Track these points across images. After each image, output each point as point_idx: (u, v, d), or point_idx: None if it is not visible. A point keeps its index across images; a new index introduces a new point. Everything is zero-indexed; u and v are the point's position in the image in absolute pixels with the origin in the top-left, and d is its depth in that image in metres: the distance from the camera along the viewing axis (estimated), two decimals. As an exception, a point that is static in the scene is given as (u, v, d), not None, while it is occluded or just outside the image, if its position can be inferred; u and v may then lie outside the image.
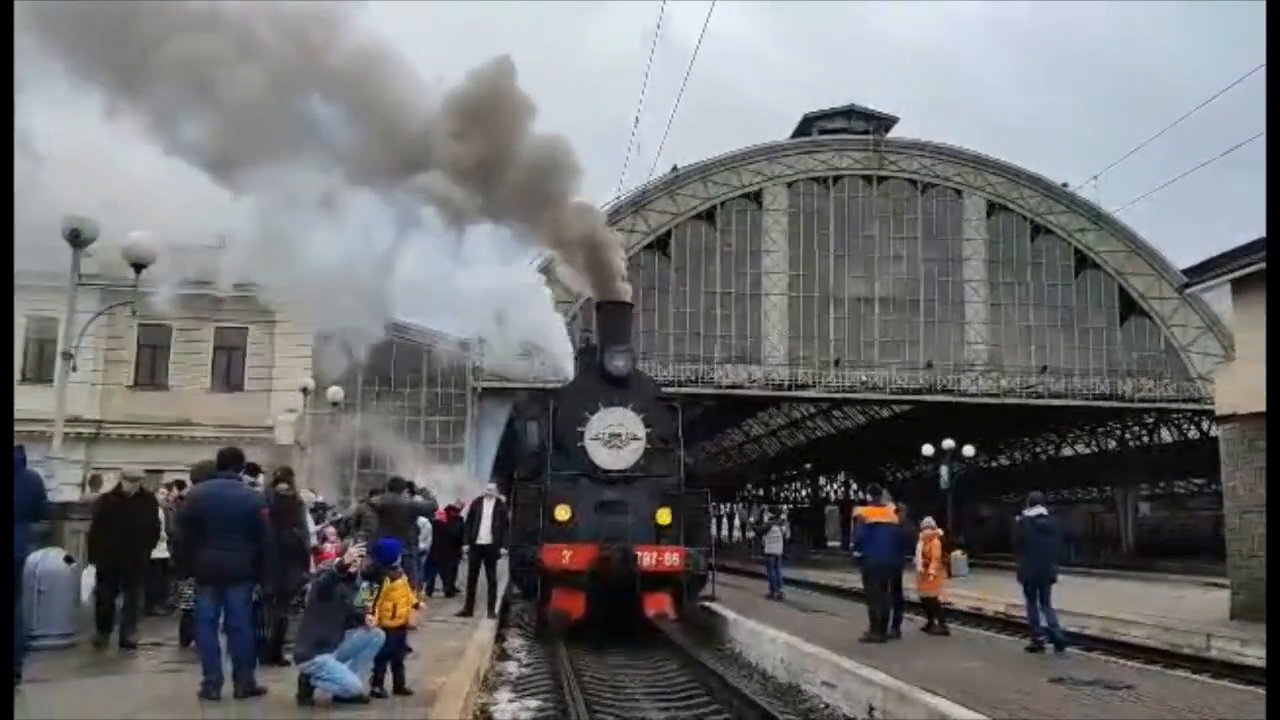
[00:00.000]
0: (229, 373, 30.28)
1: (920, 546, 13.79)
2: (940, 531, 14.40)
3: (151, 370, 29.88)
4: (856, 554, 12.69)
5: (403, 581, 8.64)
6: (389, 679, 8.36)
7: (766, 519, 24.59)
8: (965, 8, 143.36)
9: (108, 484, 11.96)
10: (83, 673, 9.01)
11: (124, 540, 10.20)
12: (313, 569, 10.14)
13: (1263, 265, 16.40)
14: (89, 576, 10.64)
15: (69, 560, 10.29)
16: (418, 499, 15.84)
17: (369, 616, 8.19)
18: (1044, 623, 12.27)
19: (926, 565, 13.74)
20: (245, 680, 7.93)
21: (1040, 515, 12.31)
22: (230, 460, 8.50)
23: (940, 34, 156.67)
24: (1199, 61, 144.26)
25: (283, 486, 10.29)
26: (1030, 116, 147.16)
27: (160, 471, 20.15)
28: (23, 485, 8.01)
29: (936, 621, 13.97)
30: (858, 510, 12.92)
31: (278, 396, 29.58)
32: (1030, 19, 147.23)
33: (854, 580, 15.99)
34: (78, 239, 12.00)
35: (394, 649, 8.38)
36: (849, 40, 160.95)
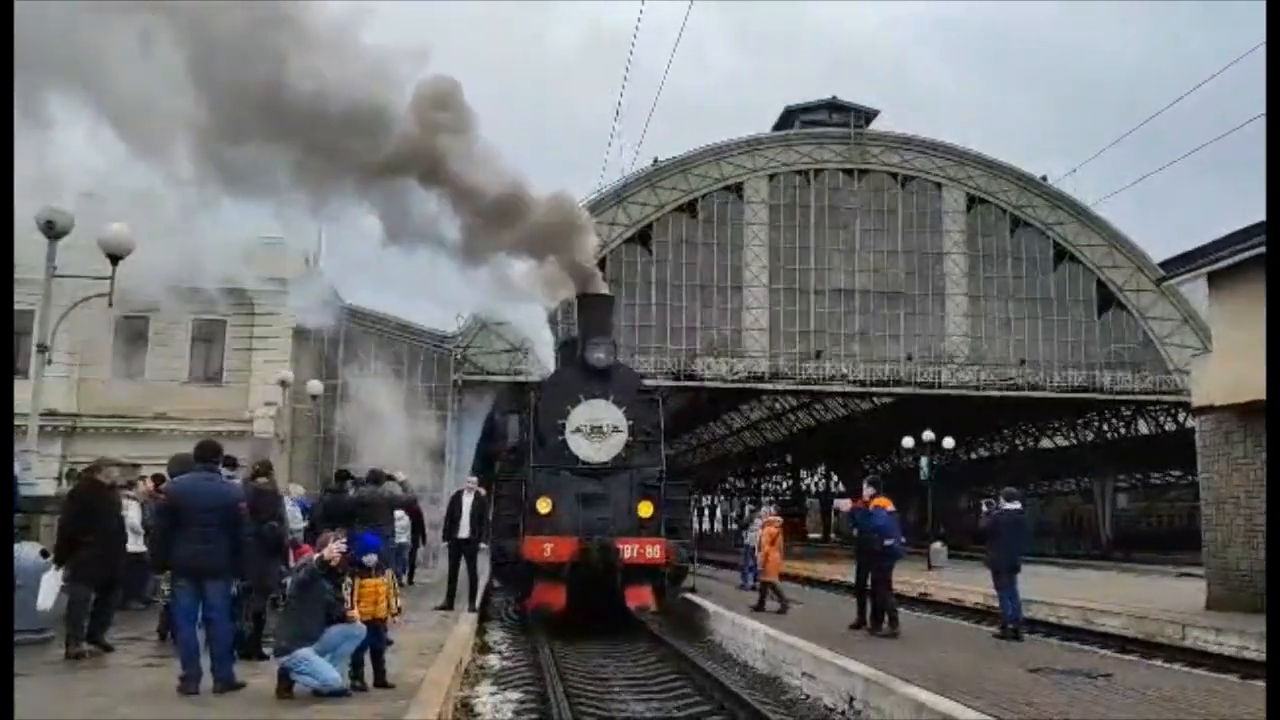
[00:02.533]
0: (207, 365, 30.07)
1: (759, 535, 16.02)
2: (779, 520, 16.65)
3: (128, 363, 29.63)
4: (887, 542, 12.55)
5: (371, 581, 8.54)
6: (369, 672, 8.32)
7: (749, 511, 24.65)
8: (909, 6, 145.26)
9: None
10: (59, 668, 8.93)
11: (105, 535, 9.50)
12: (292, 563, 10.08)
13: (1239, 259, 16.55)
14: (54, 577, 9.48)
15: (44, 554, 10.17)
16: (395, 489, 15.78)
17: (350, 611, 8.16)
18: (1010, 610, 12.79)
19: (766, 553, 15.65)
20: (224, 675, 7.88)
21: (1016, 509, 12.98)
22: (208, 453, 8.44)
23: (889, 34, 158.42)
24: (1144, 60, 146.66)
25: (262, 480, 10.23)
26: (990, 115, 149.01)
27: (138, 465, 20.03)
28: None
29: (777, 602, 15.23)
30: (875, 500, 12.82)
31: (256, 389, 29.40)
32: (971, 18, 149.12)
33: (834, 572, 16.03)
34: (52, 230, 11.87)
35: (374, 642, 8.35)
36: (787, 36, 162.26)
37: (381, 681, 8.32)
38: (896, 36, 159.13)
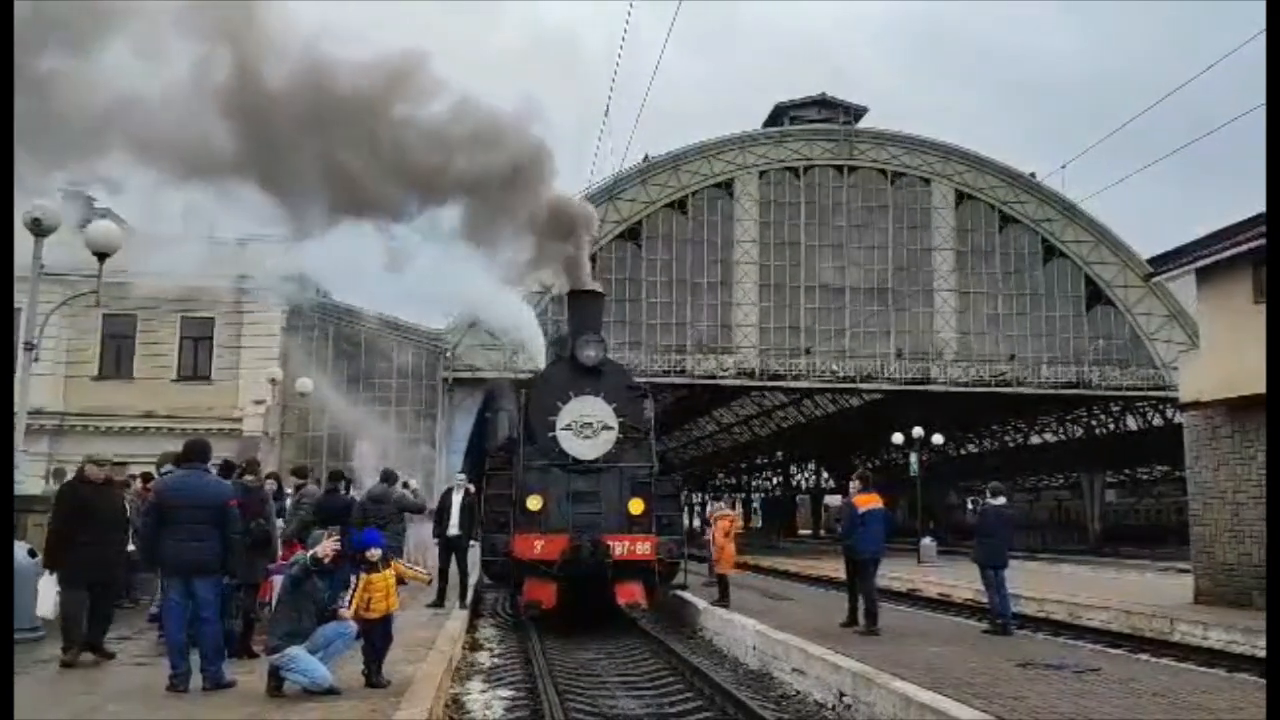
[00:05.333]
0: (195, 363, 29.97)
1: (711, 530, 16.26)
2: (733, 515, 16.72)
3: (116, 361, 29.53)
4: (847, 542, 12.51)
5: (379, 575, 8.55)
6: (375, 669, 8.33)
7: (709, 507, 24.42)
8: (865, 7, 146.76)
9: (69, 474, 11.53)
10: (49, 666, 8.90)
11: (95, 536, 8.94)
12: (280, 561, 10.07)
13: (1227, 254, 16.65)
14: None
15: (32, 554, 10.13)
16: (406, 494, 15.87)
17: (342, 610, 8.16)
18: (999, 605, 12.86)
19: (722, 545, 15.99)
20: (213, 673, 7.87)
21: (1003, 505, 13.14)
22: (196, 452, 8.43)
23: (844, 34, 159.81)
24: (1082, 58, 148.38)
25: (249, 478, 10.20)
26: (949, 117, 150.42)
27: (126, 464, 19.92)
28: None
29: (721, 597, 15.56)
30: (852, 496, 12.71)
31: (245, 387, 29.33)
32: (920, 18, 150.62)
33: (823, 568, 16.10)
34: (39, 228, 11.80)
35: (379, 639, 8.36)
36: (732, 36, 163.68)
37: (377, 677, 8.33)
38: (851, 37, 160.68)
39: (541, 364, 21.31)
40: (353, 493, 16.67)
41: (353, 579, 8.50)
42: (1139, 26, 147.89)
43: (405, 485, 16.13)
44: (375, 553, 8.51)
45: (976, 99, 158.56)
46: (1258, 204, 16.35)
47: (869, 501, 12.42)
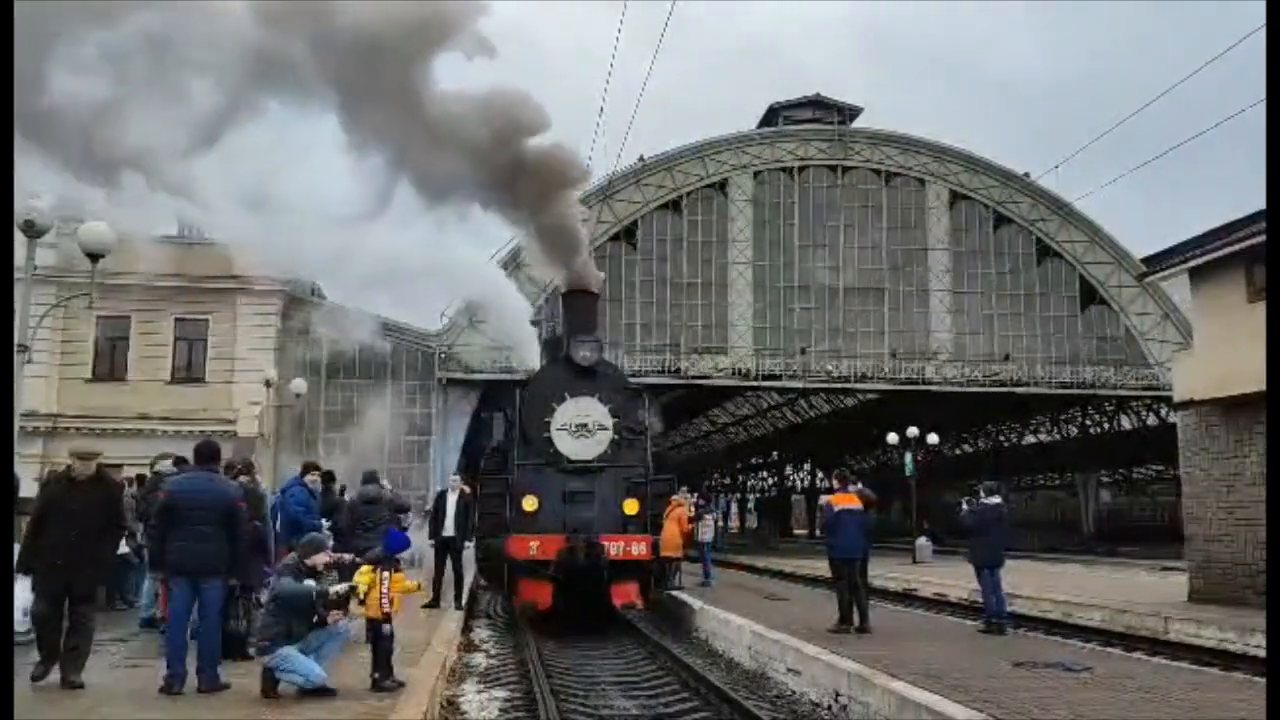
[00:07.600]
0: (190, 364, 29.91)
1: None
2: (683, 502, 16.68)
3: (110, 363, 29.46)
4: (832, 541, 12.53)
5: (375, 573, 8.55)
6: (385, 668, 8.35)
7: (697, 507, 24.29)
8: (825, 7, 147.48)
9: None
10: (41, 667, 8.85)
11: (75, 542, 7.94)
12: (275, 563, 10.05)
13: (1220, 254, 16.69)
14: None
15: (25, 555, 10.08)
16: (398, 494, 15.81)
17: (335, 610, 8.14)
18: (994, 604, 12.89)
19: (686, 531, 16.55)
20: (209, 675, 7.85)
21: (998, 504, 13.08)
22: (207, 454, 8.42)
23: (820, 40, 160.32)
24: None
25: (245, 479, 10.18)
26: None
27: (119, 466, 19.85)
28: None
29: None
30: (825, 497, 12.80)
31: (240, 388, 29.27)
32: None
33: (818, 567, 16.12)
34: (32, 229, 11.75)
35: (377, 639, 8.35)
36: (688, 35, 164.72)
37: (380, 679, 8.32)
38: (827, 38, 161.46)
39: (536, 364, 21.30)
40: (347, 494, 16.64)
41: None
42: (1112, 29, 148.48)
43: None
44: (406, 553, 8.66)
45: (949, 103, 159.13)
46: (1252, 203, 16.43)
47: (845, 501, 12.42)
